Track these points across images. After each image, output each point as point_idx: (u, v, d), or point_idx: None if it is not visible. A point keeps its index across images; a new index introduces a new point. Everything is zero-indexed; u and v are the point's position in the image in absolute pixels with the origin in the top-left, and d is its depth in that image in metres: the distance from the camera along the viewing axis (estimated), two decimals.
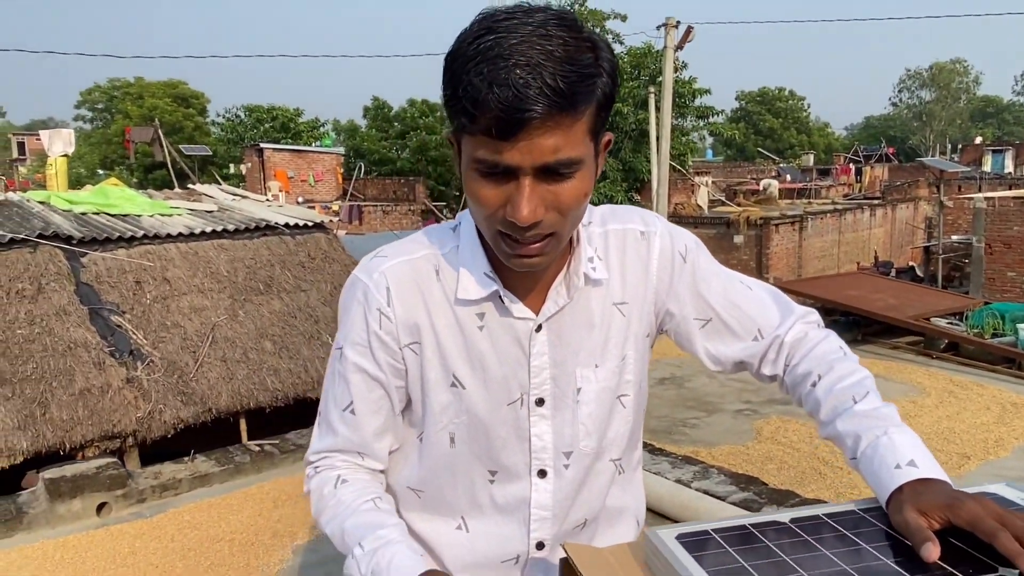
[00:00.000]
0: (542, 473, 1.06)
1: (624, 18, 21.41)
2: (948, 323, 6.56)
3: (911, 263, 19.54)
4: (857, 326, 6.67)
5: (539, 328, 1.02)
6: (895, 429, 0.93)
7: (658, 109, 11.93)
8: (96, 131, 35.92)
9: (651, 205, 13.68)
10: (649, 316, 1.09)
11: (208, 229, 7.90)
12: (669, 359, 7.18)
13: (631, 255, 1.07)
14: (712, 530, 0.83)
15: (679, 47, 11.37)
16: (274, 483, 5.48)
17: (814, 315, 1.16)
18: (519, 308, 1.01)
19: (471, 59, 0.82)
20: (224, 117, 34.53)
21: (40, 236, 7.03)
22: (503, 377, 1.02)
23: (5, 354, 6.33)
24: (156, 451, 6.15)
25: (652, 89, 13.43)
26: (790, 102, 48.80)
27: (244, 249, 8.05)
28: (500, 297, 1.01)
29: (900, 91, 59.33)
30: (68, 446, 5.77)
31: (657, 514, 4.28)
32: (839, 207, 21.14)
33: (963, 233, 16.49)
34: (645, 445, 5.43)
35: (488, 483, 1.07)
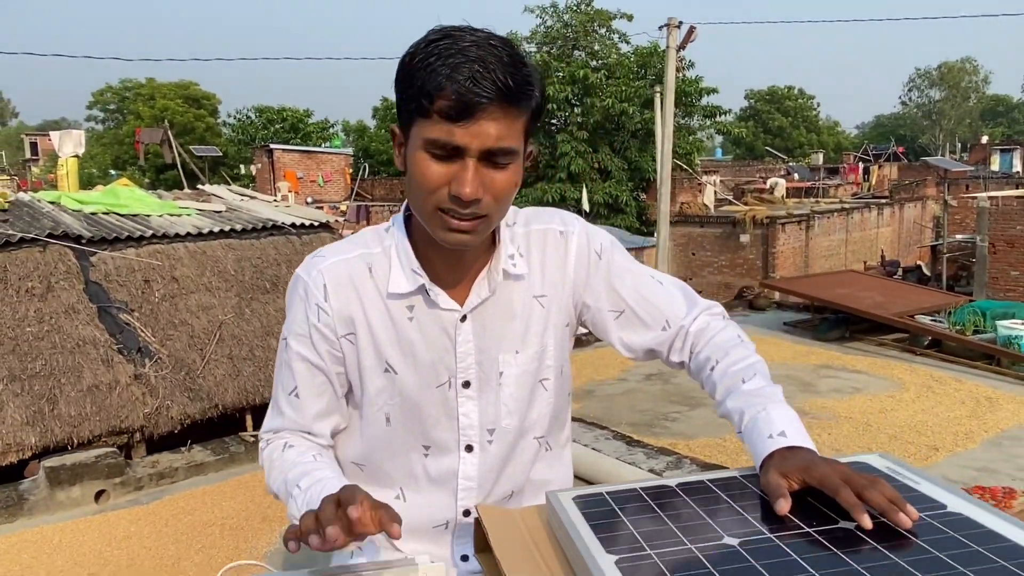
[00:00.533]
0: (469, 448, 1.18)
1: (630, 17, 21.46)
2: (932, 320, 6.65)
3: (918, 262, 19.50)
4: (845, 323, 6.78)
5: (464, 318, 1.14)
6: (773, 405, 1.05)
7: (663, 108, 11.97)
8: (108, 132, 36.18)
9: (656, 204, 13.73)
10: (568, 308, 1.21)
11: (216, 229, 8.01)
12: None
13: (550, 253, 1.19)
14: (606, 492, 0.94)
15: (681, 47, 11.41)
16: None
17: (718, 307, 1.28)
18: (445, 300, 1.13)
19: (431, 55, 0.95)
20: (235, 118, 34.77)
21: (50, 235, 7.14)
22: (431, 362, 1.14)
23: (15, 351, 6.44)
24: (163, 446, 6.27)
25: (657, 88, 13.48)
26: (799, 101, 48.55)
27: (251, 249, 8.16)
28: (427, 290, 1.12)
29: (910, 90, 59.06)
30: (76, 441, 5.89)
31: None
32: (846, 206, 21.11)
33: (969, 232, 16.45)
34: (623, 437, 5.56)
35: (423, 456, 1.18)
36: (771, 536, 0.83)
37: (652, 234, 15.72)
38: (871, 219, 21.13)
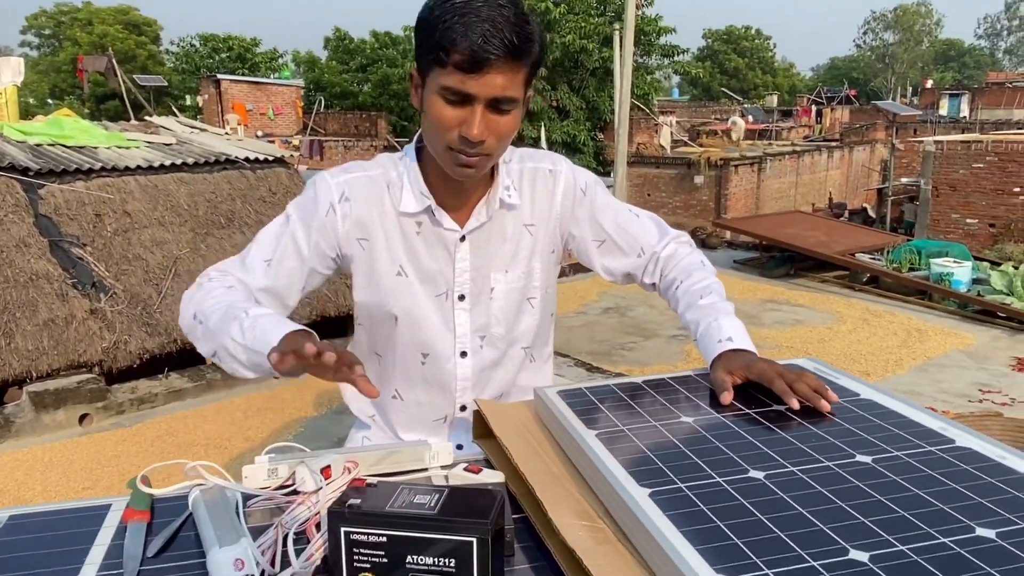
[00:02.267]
0: (463, 354, 1.36)
1: None
2: (871, 258, 7.00)
3: (864, 205, 20.04)
4: (791, 261, 7.12)
5: (463, 239, 1.31)
6: (724, 317, 1.26)
7: (622, 47, 11.94)
8: (44, 58, 34.44)
9: (613, 144, 13.79)
10: (554, 237, 1.39)
11: (167, 162, 7.84)
12: (615, 291, 7.68)
13: (540, 188, 1.37)
14: (585, 388, 1.14)
15: None
16: (244, 398, 5.89)
17: (685, 236, 1.50)
18: (448, 221, 1.30)
19: (447, 12, 1.10)
20: (178, 46, 33.35)
21: None
22: (433, 273, 1.31)
23: None
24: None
25: (617, 26, 13.39)
26: (756, 41, 48.52)
27: (204, 183, 8.03)
28: (432, 211, 1.29)
29: (864, 33, 59.46)
30: (35, 375, 5.89)
31: None
32: (798, 149, 21.44)
33: (915, 176, 16.95)
34: (583, 364, 5.83)
35: (420, 364, 1.36)
36: (719, 416, 1.00)
37: (609, 174, 15.82)
38: (821, 162, 21.54)
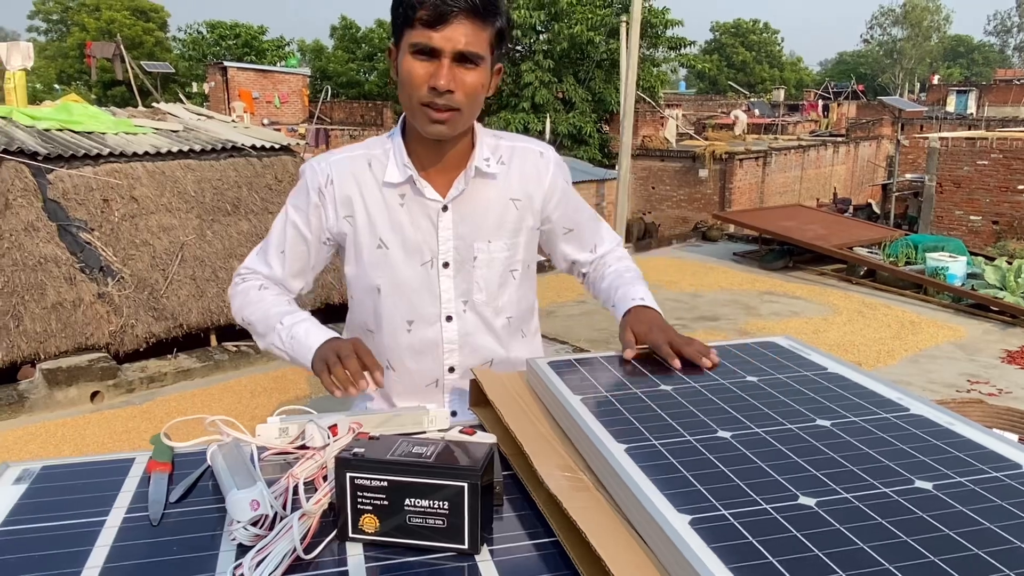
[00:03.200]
0: (448, 318, 1.44)
1: None
2: (869, 252, 7.08)
3: (869, 200, 20.05)
4: (790, 254, 7.21)
5: (445, 208, 1.40)
6: (639, 283, 1.48)
7: (628, 39, 11.96)
8: (51, 44, 34.50)
9: (618, 137, 13.83)
10: (538, 214, 1.49)
11: (175, 149, 7.92)
12: None
13: (529, 167, 1.47)
14: (574, 359, 1.24)
15: None
16: (251, 378, 6.04)
17: (621, 242, 1.69)
18: (430, 191, 1.39)
19: None
20: (186, 33, 33.41)
21: (5, 152, 7.00)
22: (417, 242, 1.40)
23: None
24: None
25: (624, 18, 13.40)
26: (764, 35, 48.38)
27: (211, 170, 8.10)
28: (414, 182, 1.38)
29: (872, 27, 59.20)
30: (43, 357, 5.99)
31: None
32: (803, 144, 21.44)
33: (920, 172, 16.95)
34: (581, 350, 5.91)
35: (407, 332, 1.44)
36: (694, 384, 1.10)
37: (614, 167, 15.86)
38: (826, 157, 21.54)
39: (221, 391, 5.73)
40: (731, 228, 10.07)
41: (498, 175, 1.42)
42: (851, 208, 18.06)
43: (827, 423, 0.93)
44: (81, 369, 5.75)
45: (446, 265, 1.41)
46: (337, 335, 1.36)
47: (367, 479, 0.80)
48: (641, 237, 13.62)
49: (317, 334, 1.34)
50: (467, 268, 1.42)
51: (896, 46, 56.56)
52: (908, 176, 16.75)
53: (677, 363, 1.17)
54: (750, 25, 48.15)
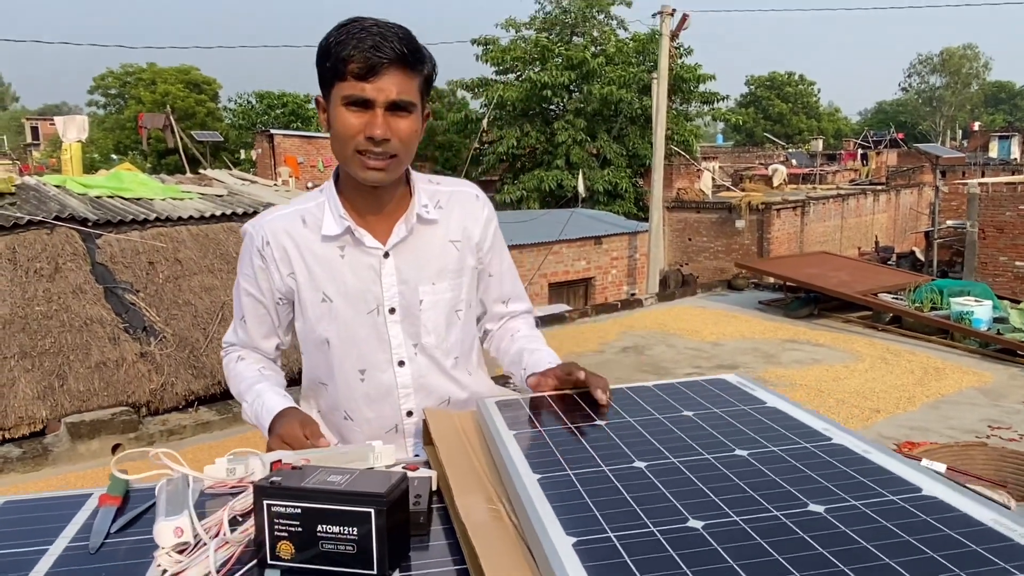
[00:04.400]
0: (401, 363, 1.46)
1: (629, 4, 21.55)
2: (893, 298, 6.96)
3: (913, 249, 19.67)
4: (815, 302, 7.12)
5: (387, 255, 1.42)
6: (550, 356, 1.50)
7: (657, 94, 12.15)
8: (109, 116, 36.31)
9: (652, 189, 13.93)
10: (475, 253, 1.52)
11: (218, 212, 8.23)
12: (635, 331, 7.77)
13: (468, 210, 1.51)
14: (521, 399, 1.27)
15: (675, 34, 11.58)
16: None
17: (531, 309, 1.71)
18: (369, 239, 1.42)
19: (342, 35, 1.26)
20: (236, 103, 34.90)
21: (57, 218, 7.36)
22: (360, 292, 1.42)
23: (25, 329, 6.69)
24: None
25: (655, 75, 13.64)
26: (800, 87, 48.42)
27: None
28: (352, 232, 1.40)
29: (910, 76, 58.87)
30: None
31: None
32: (842, 192, 21.26)
33: (963, 218, 16.62)
34: None
35: (360, 381, 1.46)
36: (628, 419, 1.15)
37: (648, 220, 15.90)
38: (867, 205, 21.29)
39: (238, 442, 5.83)
40: (761, 277, 9.99)
41: (438, 220, 1.46)
42: (894, 256, 17.73)
43: (744, 453, 0.95)
44: (104, 422, 5.93)
45: (392, 311, 1.43)
46: (291, 405, 1.41)
47: (283, 506, 0.84)
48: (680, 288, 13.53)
49: (269, 413, 1.40)
50: (414, 312, 1.44)
51: (935, 94, 56.06)
52: (949, 222, 16.44)
53: (581, 375, 1.26)
54: (785, 78, 48.30)
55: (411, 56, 1.27)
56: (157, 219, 7.95)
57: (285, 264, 1.43)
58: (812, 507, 0.79)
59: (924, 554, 0.68)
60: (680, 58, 19.89)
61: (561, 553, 0.70)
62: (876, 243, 19.60)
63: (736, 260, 17.60)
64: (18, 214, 7.39)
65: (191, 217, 8.10)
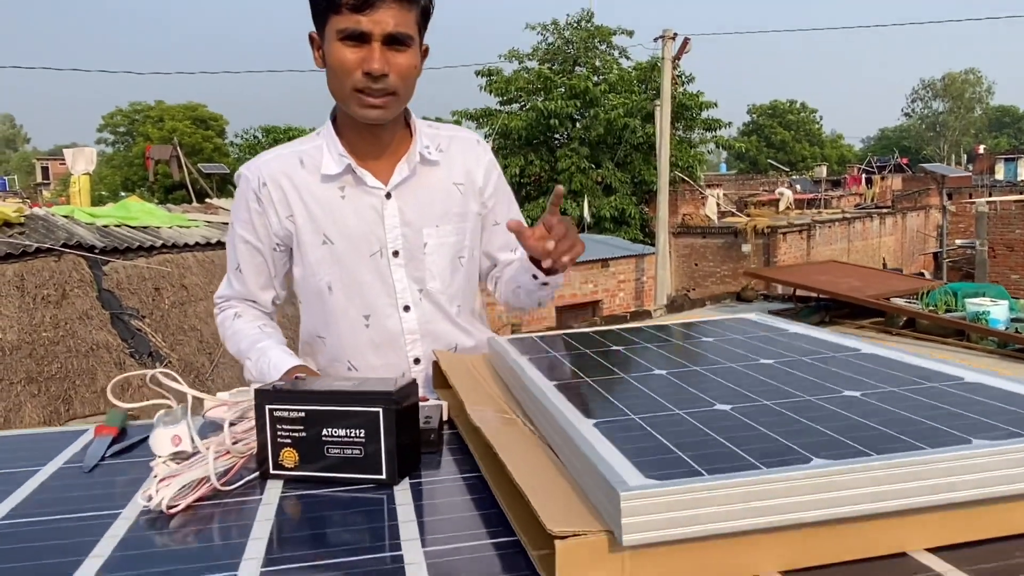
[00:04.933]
0: (406, 308, 1.40)
1: (630, 34, 21.79)
2: (906, 302, 6.88)
3: (922, 271, 19.58)
4: (826, 309, 7.04)
5: (389, 196, 1.37)
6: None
7: (661, 119, 12.23)
8: (117, 154, 36.73)
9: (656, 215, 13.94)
10: (478, 198, 1.47)
11: (224, 239, 8.23)
12: None
13: (469, 154, 1.46)
14: (535, 337, 1.22)
15: (676, 58, 11.68)
16: None
17: None
18: (371, 179, 1.36)
19: None
20: (242, 138, 35.27)
21: (64, 246, 7.38)
22: (363, 234, 1.36)
23: (32, 355, 6.67)
24: None
25: (657, 102, 13.74)
26: (802, 115, 48.68)
27: None
28: (353, 171, 1.35)
29: (913, 101, 59.21)
30: None
31: None
32: (848, 216, 21.23)
33: (971, 238, 16.56)
34: None
35: (364, 327, 1.40)
36: (638, 342, 1.05)
37: (654, 244, 15.90)
38: (873, 228, 21.25)
39: None
40: (767, 287, 9.92)
41: (440, 162, 1.41)
42: None
43: (770, 360, 0.90)
44: None
45: (396, 254, 1.37)
46: (299, 363, 1.35)
47: (285, 410, 0.79)
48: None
49: (276, 371, 1.32)
50: (418, 256, 1.39)
51: (938, 119, 56.33)
52: (958, 242, 16.37)
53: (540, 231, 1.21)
54: (787, 106, 48.61)
55: None
56: (163, 246, 7.97)
57: (283, 206, 1.36)
58: (847, 393, 0.74)
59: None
60: (682, 85, 20.07)
61: (582, 430, 0.66)
62: (884, 265, 19.52)
63: (742, 284, 17.53)
64: (27, 242, 7.41)
65: (197, 244, 8.11)
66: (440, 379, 1.20)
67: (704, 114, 21.35)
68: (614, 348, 1.05)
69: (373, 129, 1.33)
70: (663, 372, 0.87)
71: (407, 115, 1.40)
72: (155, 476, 0.77)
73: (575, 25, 21.88)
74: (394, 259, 1.38)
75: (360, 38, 1.22)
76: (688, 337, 1.08)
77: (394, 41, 1.23)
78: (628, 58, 22.10)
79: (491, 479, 0.75)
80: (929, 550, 0.59)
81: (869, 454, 0.57)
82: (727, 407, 0.72)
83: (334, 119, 1.39)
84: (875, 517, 0.57)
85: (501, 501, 0.70)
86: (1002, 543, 0.60)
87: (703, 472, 0.56)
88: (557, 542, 0.54)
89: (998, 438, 0.59)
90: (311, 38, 1.33)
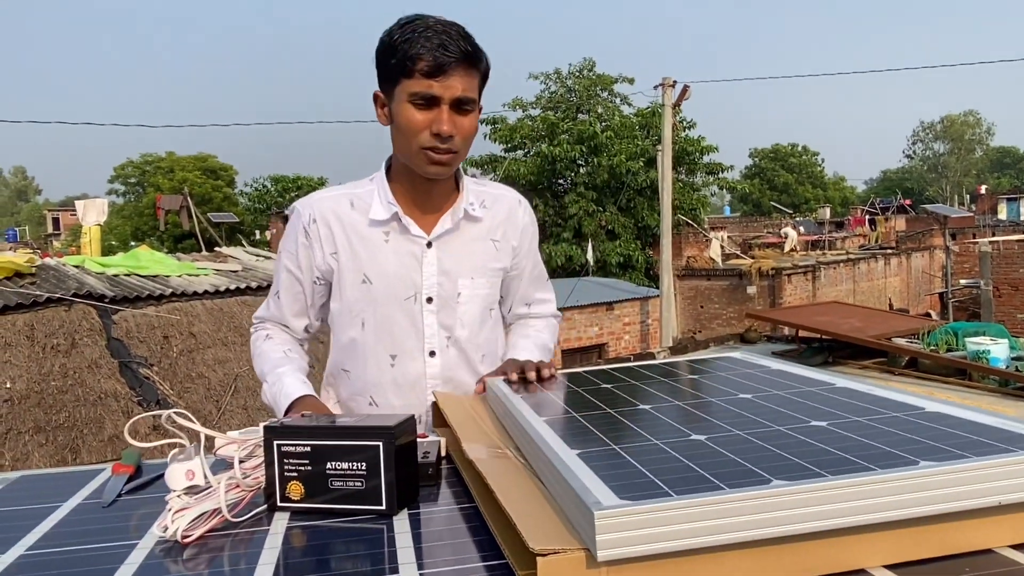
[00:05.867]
0: (432, 353, 1.48)
1: (631, 81, 22.23)
2: (908, 342, 6.90)
3: (929, 311, 19.55)
4: (829, 350, 7.06)
5: (430, 245, 1.46)
6: (526, 348, 1.56)
7: (662, 163, 12.41)
8: (128, 204, 37.24)
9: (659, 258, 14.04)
10: (510, 256, 1.57)
11: (232, 287, 8.34)
12: None
13: (509, 213, 1.57)
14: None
15: (676, 104, 11.90)
16: None
17: (557, 313, 1.75)
18: (415, 228, 1.46)
19: (406, 36, 1.30)
20: (251, 187, 35.78)
21: (75, 295, 7.48)
22: (400, 277, 1.45)
23: (40, 404, 6.71)
24: None
25: (660, 147, 13.97)
26: (803, 157, 49.11)
27: None
28: (399, 219, 1.45)
29: (914, 143, 59.75)
30: None
31: None
32: (852, 257, 21.30)
33: (975, 277, 16.57)
34: None
35: (390, 367, 1.47)
36: (632, 383, 1.10)
37: (659, 286, 15.95)
38: (878, 269, 21.30)
39: None
40: (771, 329, 9.93)
41: (483, 218, 1.51)
42: None
43: (749, 396, 0.95)
44: None
45: (429, 300, 1.45)
46: (309, 393, 1.42)
47: (292, 445, 0.85)
48: None
49: (286, 398, 1.41)
50: (451, 304, 1.46)
51: (940, 160, 56.76)
52: (963, 282, 16.39)
53: (514, 376, 1.28)
54: (789, 149, 49.07)
55: (474, 54, 1.32)
56: (173, 294, 8.06)
57: (329, 243, 1.46)
58: (814, 423, 0.80)
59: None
60: (684, 131, 20.37)
61: (565, 459, 0.71)
62: (890, 306, 19.51)
63: (747, 317, 17.53)
64: (37, 292, 7.53)
65: (206, 292, 8.21)
66: (439, 418, 1.25)
67: (706, 158, 21.62)
68: (603, 385, 1.10)
69: (426, 182, 1.43)
70: (647, 407, 0.93)
71: (456, 172, 1.50)
72: (170, 509, 0.83)
73: (577, 74, 22.32)
74: (427, 305, 1.46)
75: (430, 101, 1.31)
76: (673, 375, 1.14)
77: (460, 104, 1.33)
78: (630, 104, 22.50)
79: (483, 507, 0.81)
80: (887, 567, 0.64)
81: (824, 475, 0.62)
82: (702, 437, 0.77)
83: (388, 168, 1.49)
84: (834, 534, 0.62)
85: (492, 527, 0.75)
86: (953, 560, 0.65)
87: (672, 493, 0.61)
88: (539, 559, 0.59)
89: (943, 459, 0.64)
90: (375, 96, 1.42)
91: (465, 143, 1.37)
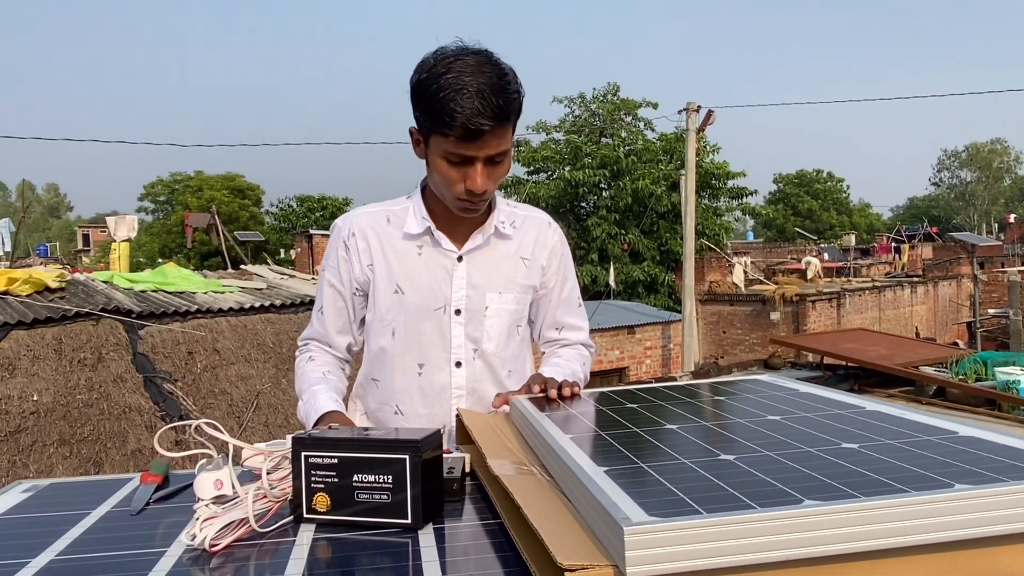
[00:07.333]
0: (458, 364, 1.52)
1: (655, 106, 22.26)
2: (935, 371, 6.79)
3: (956, 341, 19.23)
4: (854, 378, 6.97)
5: (460, 259, 1.51)
6: (551, 366, 1.58)
7: (685, 187, 12.40)
8: (156, 222, 37.85)
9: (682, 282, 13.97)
10: (539, 276, 1.60)
11: (257, 304, 8.44)
12: None
13: (540, 234, 1.61)
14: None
15: (700, 129, 11.90)
16: None
17: (590, 342, 1.75)
18: (447, 243, 1.51)
19: (441, 89, 1.27)
20: (278, 207, 36.22)
21: (103, 310, 7.61)
22: (431, 289, 1.50)
23: (65, 417, 6.79)
24: None
25: (683, 172, 13.97)
26: (828, 184, 48.76)
27: (289, 322, 8.54)
28: (432, 233, 1.50)
29: (940, 171, 59.16)
30: None
31: None
32: (878, 284, 21.07)
33: (1004, 307, 16.30)
34: None
35: (417, 375, 1.51)
36: (651, 400, 1.10)
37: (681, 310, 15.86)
38: (904, 297, 21.02)
39: None
40: (796, 355, 9.80)
41: (512, 236, 1.56)
42: None
43: (777, 417, 0.94)
44: None
45: (458, 312, 1.50)
46: (337, 409, 1.45)
47: (320, 457, 0.85)
48: None
49: (317, 412, 1.44)
50: (478, 317, 1.51)
51: (967, 188, 56.14)
52: (991, 311, 16.12)
53: (536, 389, 1.29)
54: (814, 175, 48.75)
55: (507, 108, 1.31)
56: (198, 311, 8.17)
57: (366, 255, 1.52)
58: (845, 445, 0.79)
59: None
60: (708, 155, 20.36)
61: (592, 475, 0.71)
62: (917, 334, 19.22)
63: (771, 353, 17.34)
64: (66, 306, 7.65)
65: (231, 309, 8.31)
66: (463, 435, 1.25)
67: (730, 183, 21.56)
68: (629, 405, 1.10)
69: None
70: (674, 427, 0.92)
71: None
72: (198, 517, 0.83)
73: (601, 98, 22.42)
74: (455, 316, 1.50)
75: (465, 160, 1.34)
76: (699, 396, 1.14)
77: (494, 159, 1.36)
78: (653, 129, 22.54)
79: (508, 522, 0.80)
80: None
81: (857, 496, 0.62)
82: (731, 457, 0.76)
83: (423, 187, 1.54)
84: (867, 556, 0.61)
85: (517, 541, 0.74)
86: None
87: (702, 511, 0.61)
88: (567, 575, 0.59)
89: (979, 483, 0.63)
90: (411, 132, 1.44)
91: (496, 186, 1.42)
